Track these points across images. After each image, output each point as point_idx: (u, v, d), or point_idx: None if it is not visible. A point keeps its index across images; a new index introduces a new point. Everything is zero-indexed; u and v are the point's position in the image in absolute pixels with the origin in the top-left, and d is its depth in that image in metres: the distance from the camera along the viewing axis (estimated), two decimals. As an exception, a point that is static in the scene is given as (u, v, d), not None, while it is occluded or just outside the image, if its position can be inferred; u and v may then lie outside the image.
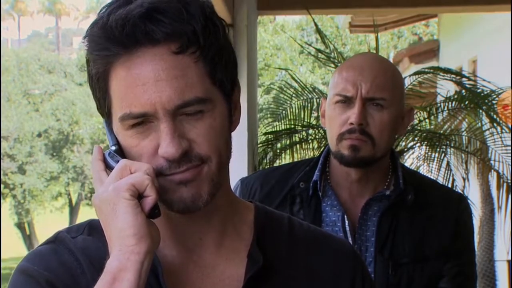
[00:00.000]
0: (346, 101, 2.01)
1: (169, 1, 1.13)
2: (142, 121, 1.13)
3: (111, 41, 1.11)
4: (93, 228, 1.18)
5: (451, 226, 2.06)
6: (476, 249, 2.24)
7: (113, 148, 1.17)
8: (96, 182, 1.15)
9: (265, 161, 4.53)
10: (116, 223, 1.09)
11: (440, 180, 4.56)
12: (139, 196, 1.10)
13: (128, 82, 1.12)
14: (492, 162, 4.70)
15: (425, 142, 4.62)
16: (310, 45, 8.62)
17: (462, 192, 4.44)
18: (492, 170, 4.73)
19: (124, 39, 1.11)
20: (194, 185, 1.14)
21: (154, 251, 1.19)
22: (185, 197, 1.14)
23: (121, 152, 1.16)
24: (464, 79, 4.92)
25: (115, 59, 1.12)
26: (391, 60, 10.14)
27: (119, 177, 1.11)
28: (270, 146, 4.62)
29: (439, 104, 4.71)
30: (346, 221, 2.03)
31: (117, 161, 1.15)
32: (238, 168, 3.72)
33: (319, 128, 4.60)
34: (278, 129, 4.73)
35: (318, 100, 4.70)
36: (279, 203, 2.07)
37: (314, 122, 4.74)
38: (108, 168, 1.15)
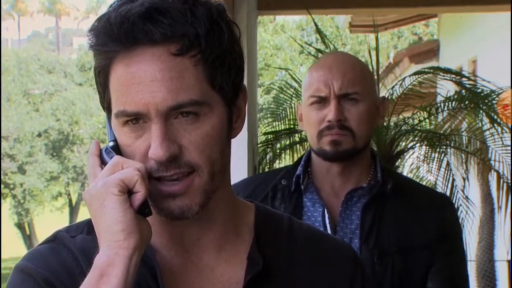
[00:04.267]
0: (321, 101, 2.08)
1: (173, 2, 1.12)
2: (136, 119, 1.13)
3: (110, 38, 1.11)
4: (93, 227, 1.17)
5: (436, 223, 2.09)
6: (465, 248, 2.26)
7: (110, 144, 1.17)
8: (90, 177, 1.15)
9: (265, 161, 4.52)
10: (104, 219, 1.09)
11: (440, 180, 4.56)
12: (129, 192, 1.10)
13: (125, 79, 1.12)
14: (492, 162, 4.70)
15: (425, 142, 4.61)
16: (310, 45, 8.60)
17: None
18: (492, 170, 4.73)
19: (122, 37, 1.10)
20: (183, 198, 1.13)
21: (152, 251, 1.19)
22: (172, 209, 1.14)
23: (117, 149, 1.16)
24: (464, 79, 4.92)
25: (114, 55, 1.12)
26: (391, 60, 10.14)
27: (110, 173, 1.11)
28: (270, 146, 4.61)
29: (439, 104, 4.70)
30: (326, 215, 2.07)
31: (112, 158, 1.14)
32: (238, 168, 3.72)
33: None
34: (278, 129, 4.73)
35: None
36: (261, 200, 2.10)
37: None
38: (104, 164, 1.15)
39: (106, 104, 1.17)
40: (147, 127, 1.12)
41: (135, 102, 1.11)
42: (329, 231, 2.05)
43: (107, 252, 1.08)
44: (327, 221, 2.07)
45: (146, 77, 1.11)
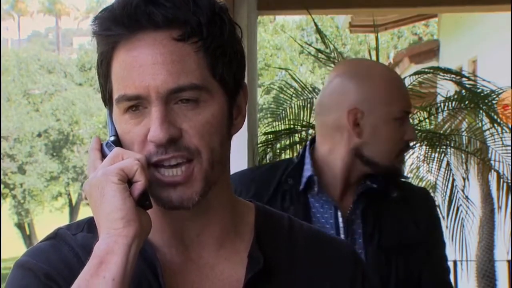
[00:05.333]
0: (404, 118, 2.05)
1: None
2: (137, 104, 1.13)
3: (114, 22, 1.13)
4: (93, 225, 1.17)
5: (426, 219, 2.12)
6: (450, 247, 2.30)
7: (111, 138, 1.17)
8: (89, 171, 1.16)
9: (265, 161, 4.52)
10: (104, 207, 1.09)
11: (440, 180, 4.57)
12: (129, 182, 1.10)
13: (127, 63, 1.13)
14: (492, 162, 4.70)
15: (425, 142, 4.62)
16: (310, 45, 8.62)
17: (462, 191, 4.47)
18: (492, 170, 4.73)
19: (125, 20, 1.12)
20: (184, 188, 1.13)
21: (153, 249, 1.19)
22: (172, 198, 1.14)
23: (118, 143, 1.16)
24: (464, 79, 4.92)
25: (117, 39, 1.13)
26: (391, 60, 10.15)
27: (110, 163, 1.12)
28: (270, 146, 4.61)
29: (439, 104, 4.71)
30: (340, 218, 2.05)
31: None
32: (238, 168, 3.70)
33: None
34: (278, 129, 4.73)
35: (318, 100, 4.69)
36: (268, 200, 2.06)
37: (314, 122, 4.73)
38: (105, 157, 1.15)
39: (107, 96, 1.18)
40: (147, 112, 1.13)
41: (135, 85, 1.12)
42: (341, 232, 2.04)
43: (106, 240, 1.08)
44: (340, 224, 2.04)
45: (148, 60, 1.12)
